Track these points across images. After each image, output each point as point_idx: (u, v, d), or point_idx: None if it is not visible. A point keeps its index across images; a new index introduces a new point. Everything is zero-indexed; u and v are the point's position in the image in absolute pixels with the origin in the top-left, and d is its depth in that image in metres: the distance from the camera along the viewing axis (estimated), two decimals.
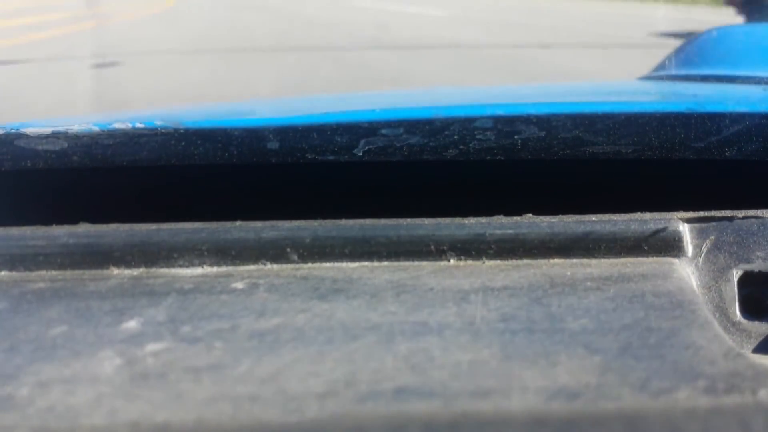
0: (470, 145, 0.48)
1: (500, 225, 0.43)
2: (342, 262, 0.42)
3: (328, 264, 0.42)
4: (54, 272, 0.43)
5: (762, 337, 0.40)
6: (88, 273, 0.42)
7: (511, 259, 0.42)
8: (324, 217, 0.44)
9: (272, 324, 0.36)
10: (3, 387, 0.31)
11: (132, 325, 0.36)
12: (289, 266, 0.42)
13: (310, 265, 0.42)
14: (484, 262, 0.42)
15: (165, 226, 0.44)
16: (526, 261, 0.42)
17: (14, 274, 0.43)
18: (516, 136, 0.48)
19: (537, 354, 0.32)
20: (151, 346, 0.34)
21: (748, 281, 0.42)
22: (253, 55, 5.80)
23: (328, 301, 0.38)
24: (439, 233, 0.42)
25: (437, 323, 0.35)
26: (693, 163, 0.49)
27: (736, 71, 0.93)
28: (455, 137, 0.48)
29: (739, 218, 0.43)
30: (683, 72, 1.01)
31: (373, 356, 0.33)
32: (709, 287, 0.41)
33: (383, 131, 0.48)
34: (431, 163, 0.49)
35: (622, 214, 0.43)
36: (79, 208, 0.50)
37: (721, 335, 0.34)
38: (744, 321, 0.40)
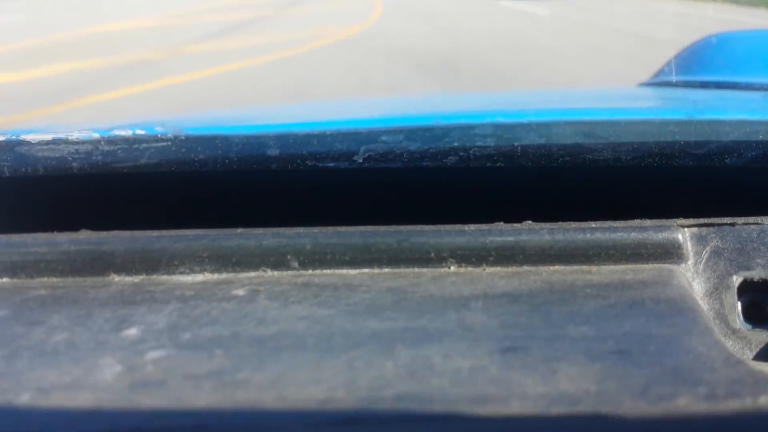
0: (470, 151, 0.48)
1: (500, 232, 0.43)
2: (342, 268, 0.43)
3: (328, 271, 0.43)
4: (55, 279, 0.43)
5: (762, 345, 0.40)
6: (89, 280, 0.42)
7: (511, 266, 0.42)
8: (324, 224, 0.44)
9: (273, 331, 0.36)
10: (4, 393, 0.31)
11: (133, 332, 0.36)
12: (290, 273, 0.43)
13: (310, 271, 0.43)
14: (484, 269, 0.42)
15: (166, 233, 0.44)
16: (526, 268, 0.42)
17: (15, 281, 0.43)
18: (516, 143, 0.48)
19: (537, 361, 0.32)
20: (152, 353, 0.34)
21: (748, 288, 0.42)
22: None
23: (329, 307, 0.38)
24: (440, 240, 0.42)
25: (437, 330, 0.35)
26: (693, 170, 0.49)
27: (736, 78, 0.93)
28: (455, 144, 0.48)
29: (739, 225, 0.44)
30: (683, 78, 1.01)
31: (374, 363, 0.33)
32: (710, 294, 0.41)
33: (383, 138, 0.48)
34: (431, 169, 0.50)
35: (622, 221, 0.43)
36: (79, 214, 0.50)
37: (721, 342, 0.34)
38: (744, 328, 0.40)
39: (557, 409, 0.29)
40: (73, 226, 0.46)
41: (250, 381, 0.32)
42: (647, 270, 0.41)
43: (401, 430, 0.29)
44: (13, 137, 0.48)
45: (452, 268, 0.42)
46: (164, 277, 0.43)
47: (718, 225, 0.44)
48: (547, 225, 0.43)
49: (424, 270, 0.42)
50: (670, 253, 0.42)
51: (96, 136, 0.48)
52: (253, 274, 0.43)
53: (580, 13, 10.16)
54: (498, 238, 0.42)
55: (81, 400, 0.31)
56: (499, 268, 0.42)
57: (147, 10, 11.55)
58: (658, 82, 1.09)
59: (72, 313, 0.38)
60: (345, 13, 10.52)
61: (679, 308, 0.37)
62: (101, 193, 0.54)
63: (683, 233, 0.43)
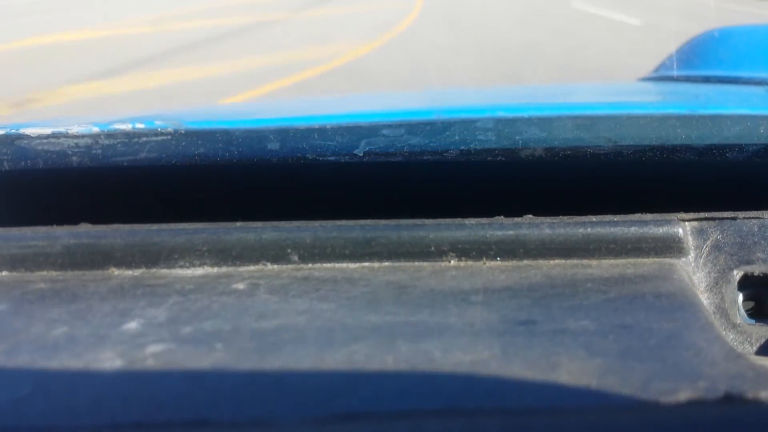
0: (471, 146, 0.48)
1: (501, 226, 0.43)
2: (343, 262, 0.42)
3: (328, 265, 0.42)
4: (55, 273, 0.43)
5: (763, 339, 0.40)
6: (88, 274, 0.42)
7: (512, 260, 0.42)
8: (325, 218, 0.44)
9: (273, 325, 0.36)
10: (4, 388, 0.31)
11: (133, 325, 0.36)
12: (290, 267, 0.43)
13: (310, 265, 0.43)
14: (484, 263, 0.42)
15: (165, 226, 0.44)
16: (526, 262, 0.42)
17: (15, 274, 0.43)
18: (517, 137, 0.48)
19: (537, 355, 0.32)
20: (152, 347, 0.34)
21: (748, 283, 0.42)
22: None
23: (329, 301, 0.38)
24: (440, 234, 0.42)
25: (438, 324, 0.35)
26: (694, 164, 0.49)
27: (738, 72, 0.93)
28: (456, 138, 0.48)
29: (740, 219, 0.43)
30: (685, 72, 1.01)
31: (374, 357, 0.33)
32: (710, 289, 0.41)
33: (384, 132, 0.48)
34: (432, 163, 0.49)
35: (623, 215, 0.43)
36: (79, 208, 0.50)
37: (722, 337, 0.34)
38: (745, 323, 0.40)
39: (558, 404, 0.29)
40: (73, 220, 0.46)
41: (250, 375, 0.32)
42: (648, 264, 0.41)
43: (401, 424, 0.28)
44: (13, 131, 0.48)
45: (452, 262, 0.42)
46: (164, 271, 0.43)
47: (719, 219, 0.43)
48: (548, 219, 0.43)
49: (425, 264, 0.42)
50: (671, 247, 0.42)
51: (96, 129, 0.48)
52: (253, 267, 0.43)
53: (686, 24, 6.32)
54: (498, 232, 0.42)
55: (81, 394, 0.31)
56: (499, 262, 0.42)
57: (135, 12, 9.09)
58: (659, 76, 1.08)
59: (72, 307, 0.38)
60: (369, 19, 8.04)
61: (680, 302, 0.37)
62: (101, 187, 0.54)
63: (684, 227, 0.42)
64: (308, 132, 0.48)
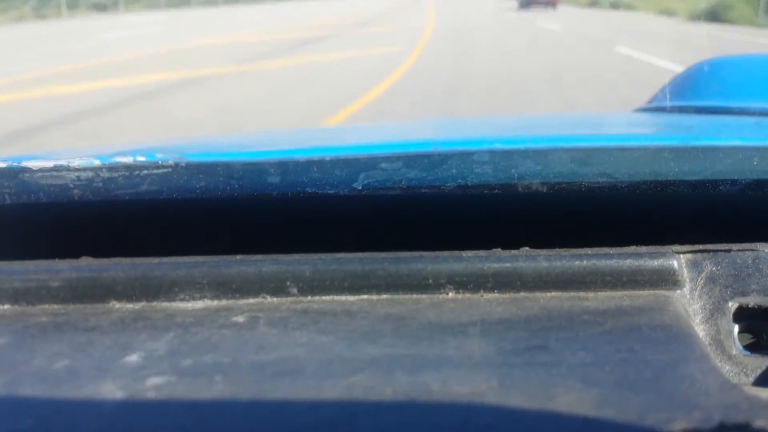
0: (468, 178, 0.49)
1: (498, 258, 0.43)
2: (341, 295, 0.43)
3: (327, 297, 0.43)
4: (56, 306, 0.43)
5: (758, 370, 0.40)
6: (89, 307, 0.43)
7: (509, 292, 0.43)
8: (324, 251, 0.45)
9: (272, 357, 0.36)
10: (5, 420, 0.31)
11: (133, 358, 0.36)
12: (289, 300, 0.43)
13: (310, 298, 0.43)
14: (482, 296, 0.42)
15: (166, 260, 0.44)
16: (523, 294, 0.42)
17: (16, 308, 0.43)
18: (513, 170, 0.49)
19: (535, 387, 0.32)
20: (153, 380, 0.34)
21: (744, 314, 0.42)
22: None
23: (328, 334, 0.38)
24: (438, 267, 0.43)
25: (436, 356, 0.35)
26: (687, 197, 0.50)
27: (730, 103, 0.94)
28: (453, 171, 0.49)
29: (734, 251, 0.44)
30: (678, 104, 1.02)
31: (373, 389, 0.33)
32: (706, 320, 0.42)
33: (382, 165, 0.49)
34: (429, 196, 0.50)
35: (618, 248, 0.44)
36: (80, 241, 0.51)
37: (718, 368, 0.34)
38: (740, 354, 0.41)
39: None
40: (75, 253, 0.47)
41: (249, 407, 0.32)
42: (643, 296, 0.42)
43: None
44: (15, 164, 0.49)
45: (450, 294, 0.43)
46: (164, 304, 0.43)
47: (713, 251, 0.44)
48: (544, 251, 0.44)
49: (423, 296, 0.43)
50: (666, 279, 0.42)
51: (97, 163, 0.48)
52: (252, 300, 0.43)
53: None
54: (496, 265, 0.43)
55: (83, 426, 0.31)
56: (497, 295, 0.42)
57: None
58: (653, 107, 1.10)
59: (73, 340, 0.39)
60: (333, 79, 6.36)
61: (676, 334, 0.37)
62: (102, 220, 0.55)
63: (678, 260, 0.43)
64: (308, 165, 0.49)
